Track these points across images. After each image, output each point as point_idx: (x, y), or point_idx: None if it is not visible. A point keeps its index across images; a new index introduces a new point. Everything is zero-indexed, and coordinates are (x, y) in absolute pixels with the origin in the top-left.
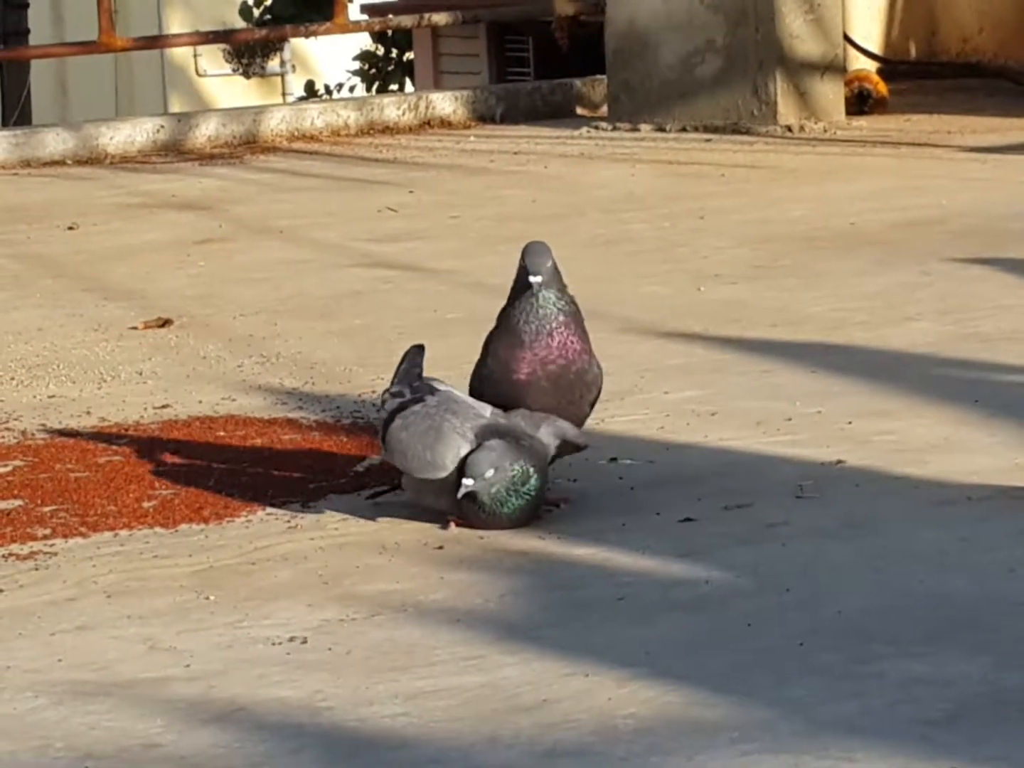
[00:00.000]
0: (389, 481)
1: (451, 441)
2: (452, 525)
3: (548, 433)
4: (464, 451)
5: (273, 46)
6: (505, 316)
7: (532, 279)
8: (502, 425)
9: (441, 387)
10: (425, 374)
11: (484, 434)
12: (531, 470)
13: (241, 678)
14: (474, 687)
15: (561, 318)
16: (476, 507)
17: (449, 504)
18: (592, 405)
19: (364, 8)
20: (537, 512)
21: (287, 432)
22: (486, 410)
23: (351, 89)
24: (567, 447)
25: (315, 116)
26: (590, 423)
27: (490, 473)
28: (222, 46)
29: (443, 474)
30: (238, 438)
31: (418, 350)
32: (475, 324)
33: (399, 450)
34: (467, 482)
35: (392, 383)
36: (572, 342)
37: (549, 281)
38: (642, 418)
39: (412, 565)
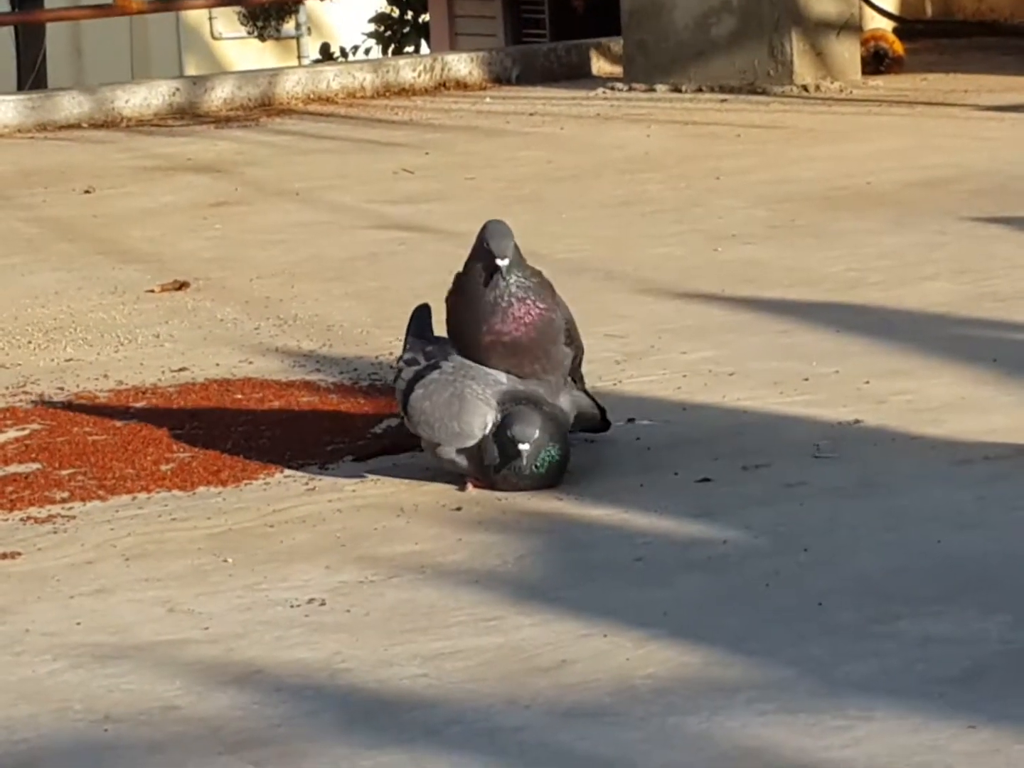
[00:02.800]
0: (390, 443)
1: (477, 409)
2: (469, 486)
3: (568, 401)
4: (490, 418)
5: (288, 8)
6: (465, 288)
7: (500, 263)
8: (521, 391)
9: (452, 349)
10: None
11: (505, 400)
12: (555, 433)
13: (259, 640)
14: (492, 648)
15: (520, 294)
16: (514, 471)
17: (472, 467)
18: (571, 344)
19: None
20: (561, 474)
21: (305, 394)
22: (502, 376)
23: (366, 51)
24: (587, 419)
25: (331, 78)
26: (607, 385)
27: (536, 435)
28: (237, 9)
29: (472, 443)
30: (255, 401)
31: (425, 311)
32: None
33: (424, 421)
34: (523, 447)
35: (404, 349)
36: (532, 312)
37: (514, 261)
38: (659, 379)
39: (430, 527)
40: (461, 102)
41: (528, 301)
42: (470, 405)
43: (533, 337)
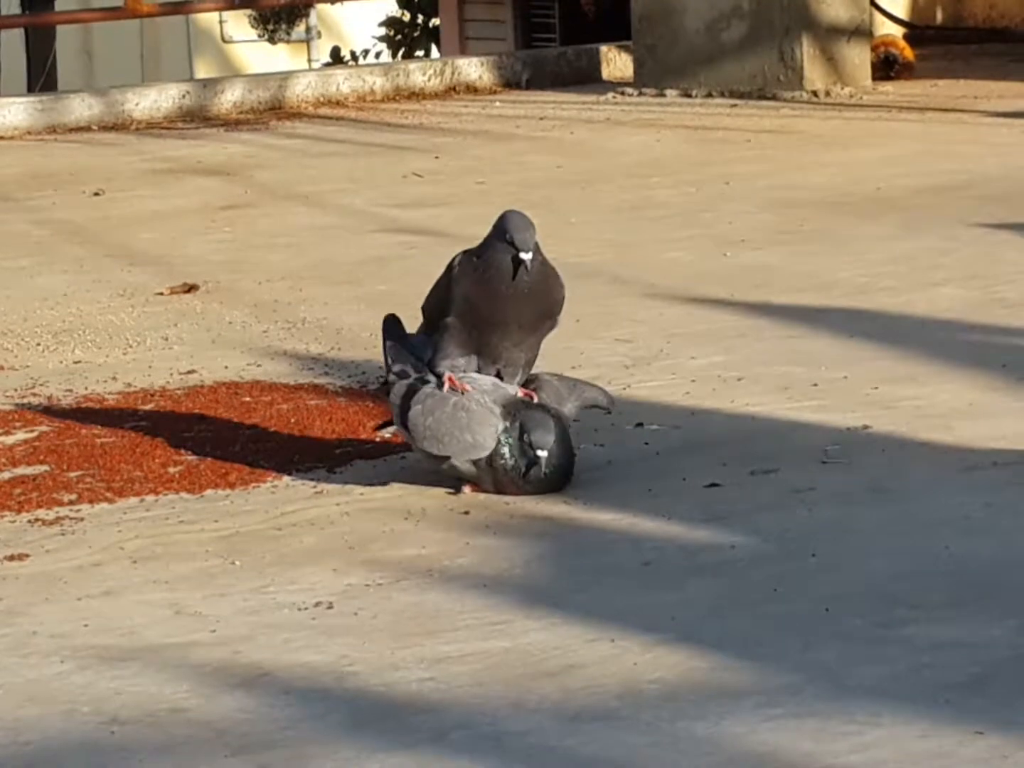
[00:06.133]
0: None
1: (486, 419)
2: (467, 490)
3: (574, 407)
4: (500, 426)
5: (299, 12)
6: (483, 275)
7: (523, 256)
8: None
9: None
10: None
11: (510, 407)
12: (561, 437)
13: (267, 643)
14: (499, 652)
15: (540, 283)
16: (526, 475)
17: (479, 474)
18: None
19: None
20: (567, 478)
21: (313, 398)
22: (488, 380)
23: (377, 55)
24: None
25: (341, 82)
26: (616, 389)
27: (552, 441)
28: (248, 12)
29: (485, 453)
30: (264, 404)
31: (395, 321)
32: None
33: (431, 436)
34: (542, 454)
35: (388, 360)
36: (549, 299)
37: (534, 250)
38: (668, 384)
39: (438, 530)
40: (471, 106)
41: (544, 287)
42: (478, 415)
43: (546, 320)
